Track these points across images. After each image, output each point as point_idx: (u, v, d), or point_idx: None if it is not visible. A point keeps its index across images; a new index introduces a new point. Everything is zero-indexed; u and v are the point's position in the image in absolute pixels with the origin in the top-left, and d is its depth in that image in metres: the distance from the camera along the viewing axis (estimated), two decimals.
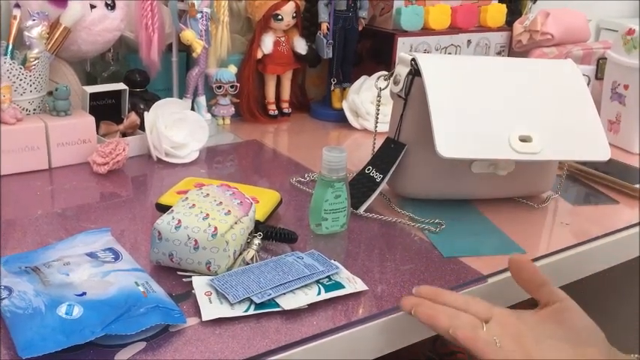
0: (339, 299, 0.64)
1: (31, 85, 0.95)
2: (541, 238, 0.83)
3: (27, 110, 0.96)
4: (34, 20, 0.93)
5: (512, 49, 1.42)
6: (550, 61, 1.03)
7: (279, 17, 1.19)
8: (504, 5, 1.39)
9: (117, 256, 0.65)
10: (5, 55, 0.93)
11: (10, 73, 0.92)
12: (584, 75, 0.91)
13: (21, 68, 0.93)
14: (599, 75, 1.26)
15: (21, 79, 0.93)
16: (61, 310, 0.54)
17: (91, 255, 0.65)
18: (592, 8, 1.65)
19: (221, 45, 1.15)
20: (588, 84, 0.89)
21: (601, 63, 1.26)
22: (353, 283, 0.66)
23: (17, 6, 0.95)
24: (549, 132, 0.83)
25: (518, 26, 1.39)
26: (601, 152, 0.85)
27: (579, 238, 0.82)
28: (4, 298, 0.57)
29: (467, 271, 0.71)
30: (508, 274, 0.72)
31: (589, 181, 1.01)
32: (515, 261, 0.67)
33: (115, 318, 0.55)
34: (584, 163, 1.02)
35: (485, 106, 0.83)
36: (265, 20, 1.19)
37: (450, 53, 1.33)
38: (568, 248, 0.79)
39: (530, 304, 0.66)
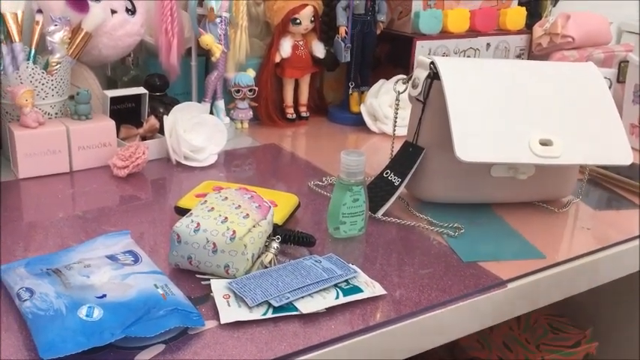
0: (357, 303, 0.64)
1: (52, 90, 0.96)
2: (562, 243, 0.82)
3: (49, 114, 0.97)
4: (56, 25, 0.94)
5: (531, 53, 1.41)
6: (571, 64, 1.02)
7: (298, 21, 1.19)
8: (524, 8, 1.38)
9: (136, 259, 0.66)
10: (28, 59, 0.94)
11: (33, 77, 0.94)
12: (605, 78, 0.90)
13: (43, 73, 0.94)
14: (620, 78, 1.25)
15: (43, 84, 0.95)
16: (82, 312, 0.55)
17: (111, 257, 0.65)
18: (613, 11, 1.63)
19: (240, 49, 1.16)
20: (610, 87, 0.88)
21: (622, 66, 1.25)
22: (371, 287, 0.66)
23: (39, 11, 0.96)
24: (570, 135, 0.82)
25: (538, 29, 1.38)
26: (623, 156, 0.83)
27: (601, 243, 0.81)
28: (25, 300, 0.57)
29: (486, 276, 0.71)
30: (528, 279, 0.72)
31: (611, 186, 1.00)
32: None
33: (134, 320, 0.55)
34: (606, 167, 1.01)
35: (504, 110, 0.82)
36: (284, 24, 1.19)
37: (468, 56, 1.32)
38: (589, 253, 0.78)
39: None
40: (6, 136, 0.95)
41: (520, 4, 1.40)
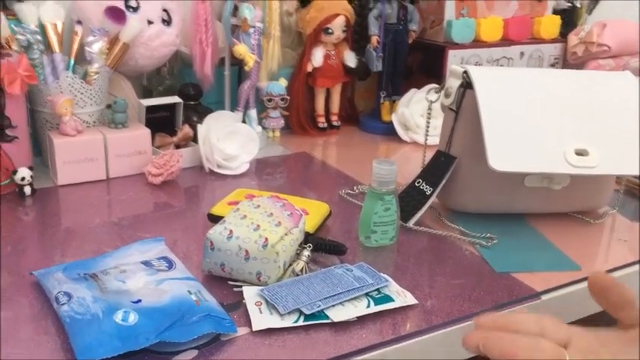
0: (388, 313, 0.63)
1: (91, 99, 0.98)
2: (597, 255, 0.81)
3: (87, 123, 0.99)
4: (94, 36, 0.97)
5: (566, 61, 1.39)
6: (607, 72, 1.01)
7: (330, 31, 1.20)
8: (558, 17, 1.37)
9: (170, 265, 0.67)
10: (67, 69, 0.97)
11: (72, 87, 0.96)
12: None
13: (82, 82, 0.97)
14: None
15: (82, 93, 0.97)
16: (118, 317, 0.56)
17: (146, 263, 0.66)
18: None
19: (272, 59, 1.17)
20: None
21: None
22: (402, 297, 0.65)
23: (79, 22, 0.99)
24: (606, 145, 0.81)
25: (573, 38, 1.36)
26: None
27: (637, 256, 0.79)
28: (63, 304, 0.59)
29: (520, 288, 0.70)
30: (562, 291, 0.71)
31: None
32: (597, 282, 0.56)
33: (168, 325, 0.56)
34: None
35: (539, 119, 0.81)
36: (316, 34, 1.20)
37: (502, 65, 1.31)
38: (626, 266, 0.77)
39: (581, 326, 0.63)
40: (46, 144, 0.98)
41: (555, 12, 1.39)
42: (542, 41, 1.36)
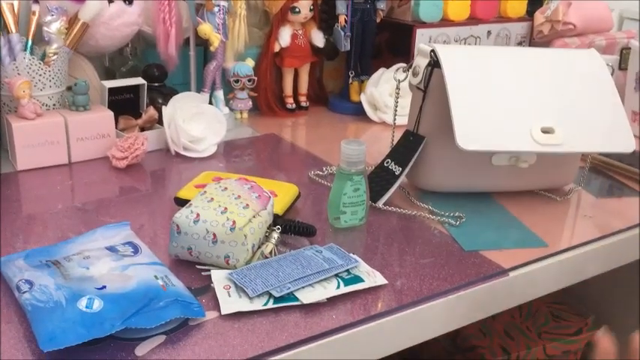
0: (359, 293, 0.63)
1: (50, 81, 0.95)
2: (563, 231, 0.82)
3: (46, 105, 0.96)
4: (52, 16, 0.94)
5: (533, 40, 1.40)
6: (573, 50, 1.01)
7: (297, 10, 1.18)
8: None
9: (136, 250, 0.65)
10: (24, 50, 0.93)
11: (30, 68, 0.93)
12: (607, 65, 0.89)
13: (40, 64, 0.94)
14: (622, 65, 1.24)
15: (40, 75, 0.94)
16: (82, 304, 0.55)
17: (111, 249, 0.65)
18: None
19: (238, 38, 1.15)
20: (612, 74, 0.88)
21: (624, 53, 1.24)
22: (372, 277, 0.65)
23: (36, 1, 0.95)
24: (572, 123, 0.81)
25: (539, 16, 1.37)
26: (625, 144, 0.83)
27: (603, 231, 0.80)
28: (25, 292, 0.57)
29: (488, 265, 0.70)
30: (530, 267, 0.72)
31: (612, 173, 0.99)
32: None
33: (134, 311, 0.55)
34: (608, 155, 1.00)
35: (506, 98, 0.81)
36: (283, 13, 1.19)
37: (469, 44, 1.31)
38: (591, 241, 0.78)
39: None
40: (4, 127, 0.95)
41: None
42: (509, 20, 1.36)
